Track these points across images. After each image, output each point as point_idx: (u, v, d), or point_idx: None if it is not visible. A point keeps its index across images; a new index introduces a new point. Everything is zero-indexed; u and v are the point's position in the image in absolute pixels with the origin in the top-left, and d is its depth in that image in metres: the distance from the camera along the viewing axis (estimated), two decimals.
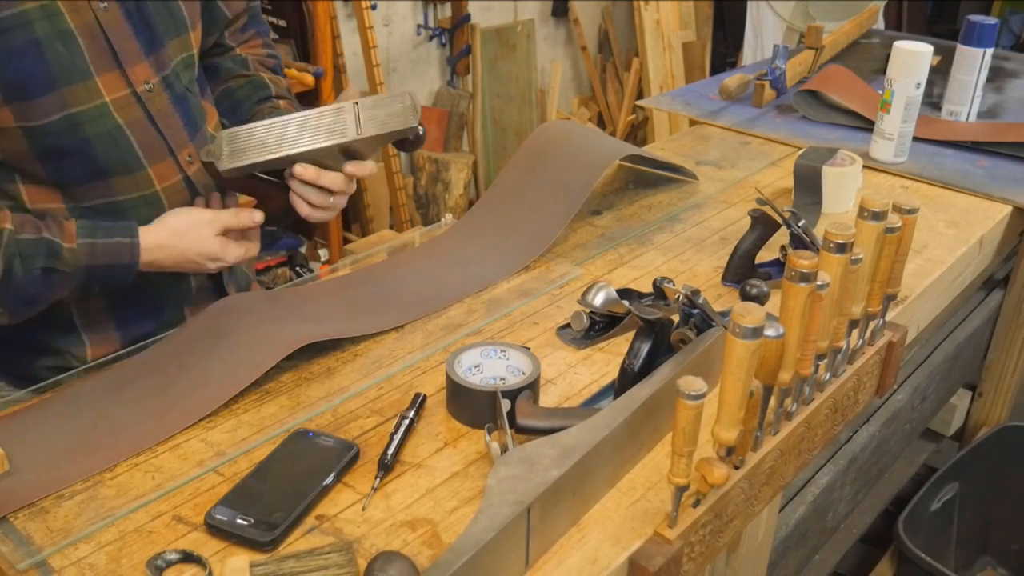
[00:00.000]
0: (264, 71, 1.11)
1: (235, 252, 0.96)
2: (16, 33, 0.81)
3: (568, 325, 0.97)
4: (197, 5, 0.99)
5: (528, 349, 0.86)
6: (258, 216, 0.97)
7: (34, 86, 0.84)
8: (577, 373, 0.90)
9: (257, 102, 1.08)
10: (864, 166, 1.32)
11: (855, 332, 0.85)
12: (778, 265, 1.07)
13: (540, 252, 1.11)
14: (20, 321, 0.89)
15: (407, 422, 0.80)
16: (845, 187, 1.25)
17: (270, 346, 0.87)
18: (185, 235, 0.92)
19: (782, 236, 1.04)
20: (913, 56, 1.32)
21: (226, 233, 0.95)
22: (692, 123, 1.65)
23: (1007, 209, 1.28)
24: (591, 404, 0.85)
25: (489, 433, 0.75)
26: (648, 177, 1.38)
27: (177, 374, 0.86)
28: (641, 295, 0.96)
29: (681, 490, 0.67)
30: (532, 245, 1.11)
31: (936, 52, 1.46)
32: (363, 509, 0.72)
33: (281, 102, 1.08)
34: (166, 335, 0.93)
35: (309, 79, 2.33)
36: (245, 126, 0.90)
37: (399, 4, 2.88)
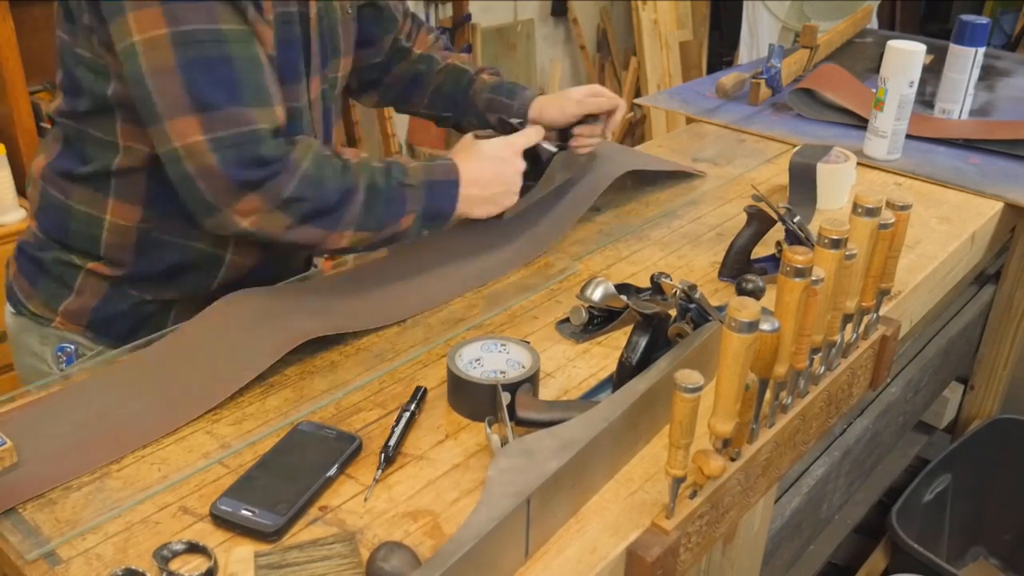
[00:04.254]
0: (450, 56, 1.20)
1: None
2: (291, 28, 0.91)
3: (567, 319, 0.98)
4: (352, 35, 1.07)
5: (528, 343, 0.87)
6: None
7: (284, 74, 0.91)
8: (576, 367, 0.91)
9: (467, 86, 1.17)
10: (858, 163, 1.33)
11: (849, 326, 0.86)
12: (773, 260, 1.08)
13: (543, 250, 1.12)
14: (375, 249, 0.98)
15: (408, 415, 0.81)
16: (839, 184, 1.26)
17: (275, 341, 0.88)
18: (493, 158, 0.98)
19: (777, 232, 1.05)
20: (906, 55, 1.33)
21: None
22: (689, 121, 1.66)
23: (998, 205, 1.29)
24: (590, 397, 0.86)
25: (489, 425, 0.76)
26: (646, 174, 1.39)
27: (183, 368, 0.87)
28: (639, 290, 0.97)
29: (678, 481, 0.67)
30: (534, 243, 1.12)
31: (929, 51, 1.47)
32: (365, 500, 0.73)
33: (484, 75, 1.17)
34: (172, 329, 0.94)
35: None
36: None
37: None
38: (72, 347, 0.99)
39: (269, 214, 0.84)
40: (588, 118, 1.13)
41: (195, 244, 0.97)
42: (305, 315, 0.93)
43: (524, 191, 1.03)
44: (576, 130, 1.13)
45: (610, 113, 1.15)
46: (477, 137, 1.00)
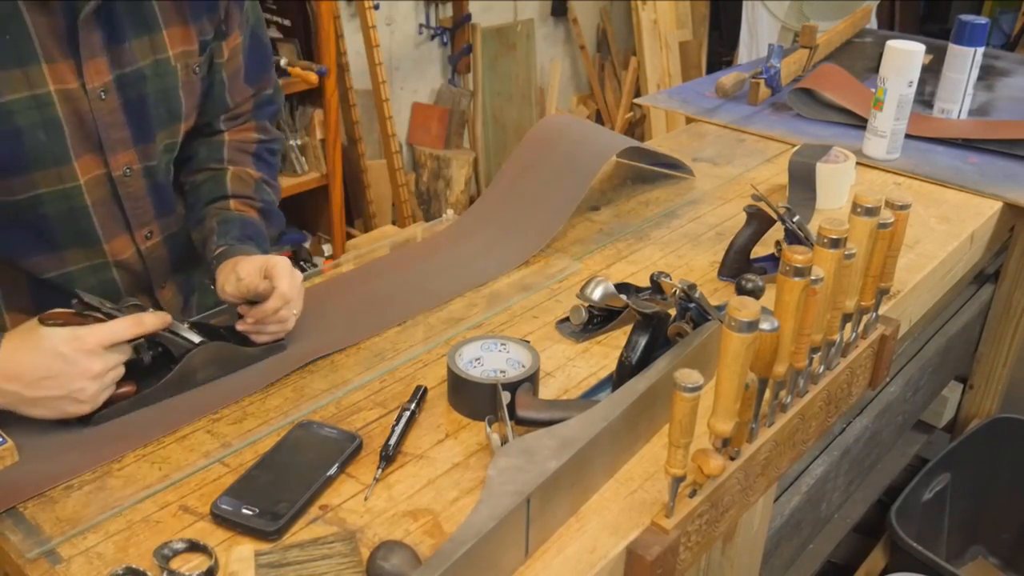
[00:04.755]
0: (240, 160, 1.02)
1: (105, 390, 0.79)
2: (32, 113, 0.79)
3: (567, 319, 0.98)
4: (197, 96, 0.94)
5: (528, 342, 0.87)
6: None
7: (4, 169, 0.81)
8: (576, 366, 0.91)
9: (208, 202, 0.98)
10: (857, 163, 1.33)
11: (848, 326, 0.86)
12: (773, 260, 1.08)
13: (541, 247, 1.12)
14: None
15: (409, 414, 0.81)
16: (839, 183, 1.26)
17: (280, 360, 0.88)
18: (50, 353, 0.75)
19: (777, 231, 1.05)
20: (905, 55, 1.33)
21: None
22: (689, 120, 1.66)
23: (997, 205, 1.29)
24: (590, 396, 0.86)
25: (489, 425, 0.76)
26: (645, 174, 1.39)
27: None
28: (639, 289, 0.97)
29: (678, 481, 0.68)
30: (533, 240, 1.13)
31: (928, 51, 1.48)
32: (366, 499, 0.73)
33: (232, 202, 0.97)
34: None
35: (313, 78, 2.35)
36: None
37: (401, 4, 2.88)
38: None
39: None
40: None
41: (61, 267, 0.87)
42: (309, 332, 0.93)
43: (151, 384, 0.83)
44: (241, 310, 0.88)
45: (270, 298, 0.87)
46: (43, 322, 0.76)
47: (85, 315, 0.79)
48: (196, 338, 0.85)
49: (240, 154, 1.02)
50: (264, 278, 0.86)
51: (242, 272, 0.86)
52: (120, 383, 0.80)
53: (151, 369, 0.83)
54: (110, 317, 0.80)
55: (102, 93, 0.84)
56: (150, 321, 0.80)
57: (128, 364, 0.80)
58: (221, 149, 1.02)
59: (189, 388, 0.85)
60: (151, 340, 0.82)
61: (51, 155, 0.82)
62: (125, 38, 0.84)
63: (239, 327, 0.89)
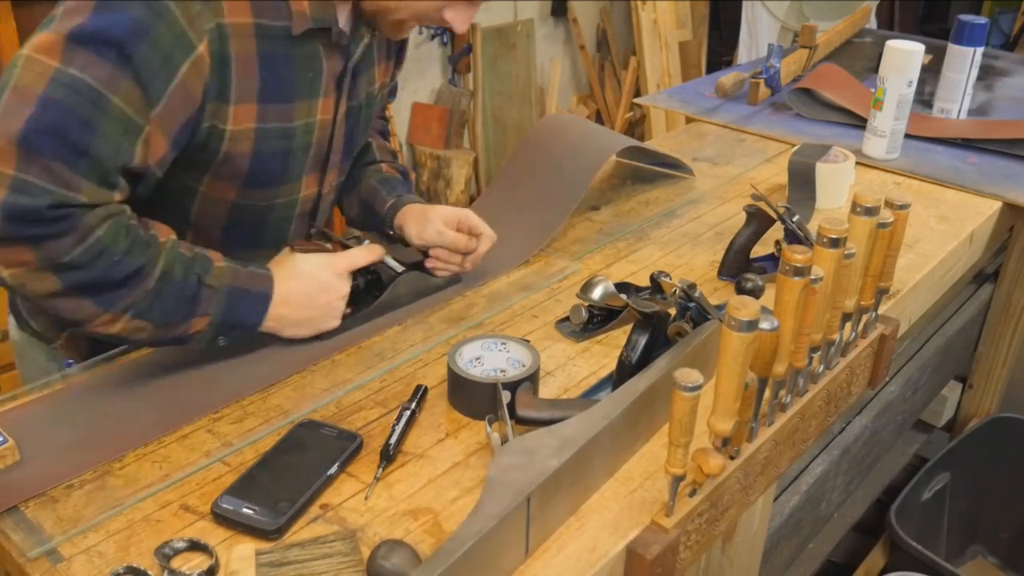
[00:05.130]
0: (375, 136, 1.14)
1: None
2: (278, 142, 0.88)
3: (567, 318, 0.98)
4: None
5: (528, 342, 0.88)
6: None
7: (265, 180, 0.90)
8: (576, 365, 0.91)
9: (362, 164, 1.11)
10: (857, 163, 1.34)
11: (848, 325, 0.86)
12: (773, 259, 1.08)
13: (542, 246, 1.12)
14: (149, 346, 0.87)
15: (409, 413, 0.81)
16: (838, 183, 1.27)
17: (281, 362, 0.89)
18: (310, 278, 0.89)
19: (777, 231, 1.05)
20: (905, 55, 1.34)
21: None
22: (688, 120, 1.67)
23: (997, 205, 1.29)
24: (590, 396, 0.87)
25: (490, 424, 0.76)
26: (645, 173, 1.39)
27: (188, 373, 0.87)
28: (639, 289, 0.97)
29: (678, 480, 0.68)
30: (534, 239, 1.13)
31: (927, 51, 1.48)
32: (366, 498, 0.73)
33: (383, 165, 1.11)
34: None
35: None
36: None
37: None
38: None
39: (37, 273, 0.73)
40: (460, 236, 1.01)
41: None
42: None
43: (364, 306, 0.95)
44: (434, 251, 1.01)
45: (479, 237, 1.02)
46: (293, 250, 0.91)
47: (325, 244, 0.94)
48: (399, 267, 0.98)
49: (373, 132, 1.15)
50: (456, 229, 1.00)
51: (439, 223, 1.00)
52: None
53: (362, 294, 0.95)
54: (344, 247, 0.94)
55: (340, 122, 0.95)
56: (378, 250, 0.95)
57: None
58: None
59: (392, 310, 0.98)
60: (363, 268, 0.94)
61: (296, 172, 0.92)
62: (358, 73, 0.95)
63: (429, 264, 1.02)
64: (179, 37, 0.76)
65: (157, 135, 0.78)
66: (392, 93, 1.12)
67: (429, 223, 1.00)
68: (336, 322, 0.91)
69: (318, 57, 0.88)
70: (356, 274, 0.93)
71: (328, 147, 0.95)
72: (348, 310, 0.93)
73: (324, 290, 0.89)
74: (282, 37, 0.83)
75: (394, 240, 1.06)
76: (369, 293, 0.96)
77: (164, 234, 0.82)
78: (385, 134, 1.18)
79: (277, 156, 0.88)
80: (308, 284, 0.88)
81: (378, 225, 1.07)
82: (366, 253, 0.93)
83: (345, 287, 0.90)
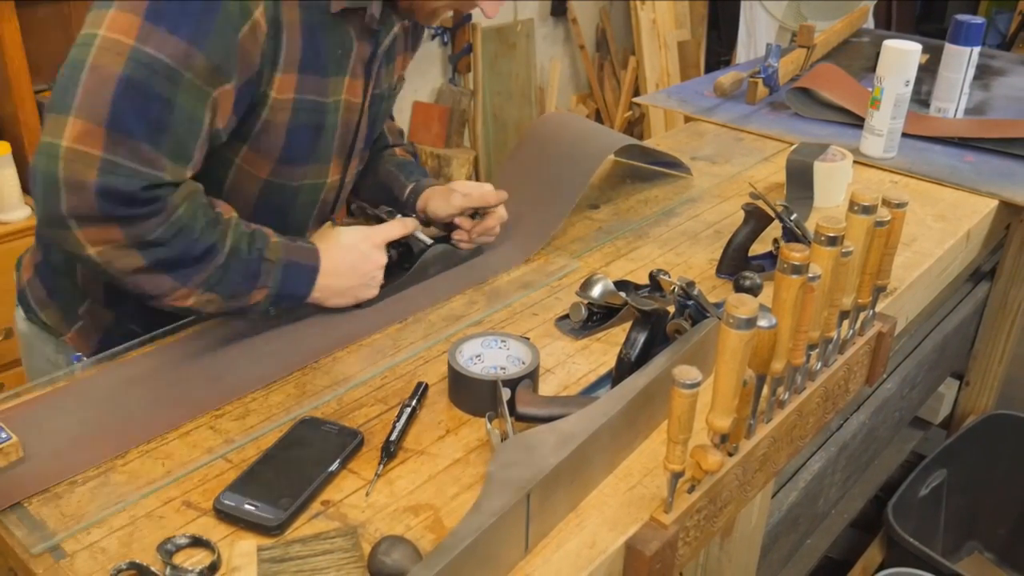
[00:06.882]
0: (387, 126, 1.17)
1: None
2: (312, 116, 0.89)
3: (567, 316, 0.98)
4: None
5: (528, 339, 0.88)
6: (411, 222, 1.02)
7: (296, 157, 0.91)
8: (575, 363, 0.92)
9: (379, 149, 1.14)
10: (854, 161, 1.34)
11: (846, 323, 0.87)
12: (771, 258, 1.09)
13: (542, 244, 1.13)
14: (216, 316, 0.92)
15: (410, 410, 0.81)
16: (836, 182, 1.27)
17: (283, 358, 0.89)
18: (352, 249, 0.94)
19: (775, 229, 1.06)
20: (902, 54, 1.34)
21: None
22: (687, 120, 1.67)
23: (993, 203, 1.30)
24: (589, 393, 0.87)
25: (490, 421, 0.76)
26: (644, 172, 1.40)
27: (189, 370, 0.88)
28: (638, 287, 0.97)
29: (676, 476, 0.68)
30: (534, 237, 1.13)
31: (924, 51, 1.48)
32: (367, 495, 0.74)
33: (396, 150, 1.15)
34: (179, 326, 0.95)
35: None
36: None
37: None
38: (87, 359, 0.97)
39: (123, 250, 0.77)
40: (475, 214, 1.08)
41: None
42: (312, 333, 0.94)
43: (395, 277, 1.00)
44: (459, 221, 1.07)
45: (489, 214, 1.07)
46: (333, 224, 0.98)
47: (361, 217, 1.02)
48: (429, 240, 1.04)
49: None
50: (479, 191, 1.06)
51: (462, 189, 1.06)
52: None
53: (394, 266, 1.00)
54: (378, 220, 1.00)
55: (367, 108, 0.97)
56: (410, 224, 1.00)
57: None
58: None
59: (421, 280, 1.03)
60: (395, 241, 0.99)
61: (325, 153, 0.94)
62: (384, 62, 0.97)
63: (455, 236, 1.07)
64: (243, 6, 0.78)
65: (226, 104, 0.81)
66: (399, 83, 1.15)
67: (454, 193, 1.06)
68: (375, 291, 0.97)
69: (349, 38, 0.89)
70: (389, 246, 0.98)
71: (355, 132, 0.97)
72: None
73: (364, 260, 0.94)
74: (321, 12, 0.85)
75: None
76: (400, 265, 1.01)
77: (227, 211, 0.86)
78: (391, 117, 1.20)
79: (309, 131, 0.90)
80: (350, 255, 0.93)
81: (395, 207, 1.10)
82: (400, 226, 0.99)
83: (383, 258, 0.96)
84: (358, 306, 0.97)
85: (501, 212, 1.08)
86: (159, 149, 0.76)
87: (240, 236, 0.85)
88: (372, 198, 1.11)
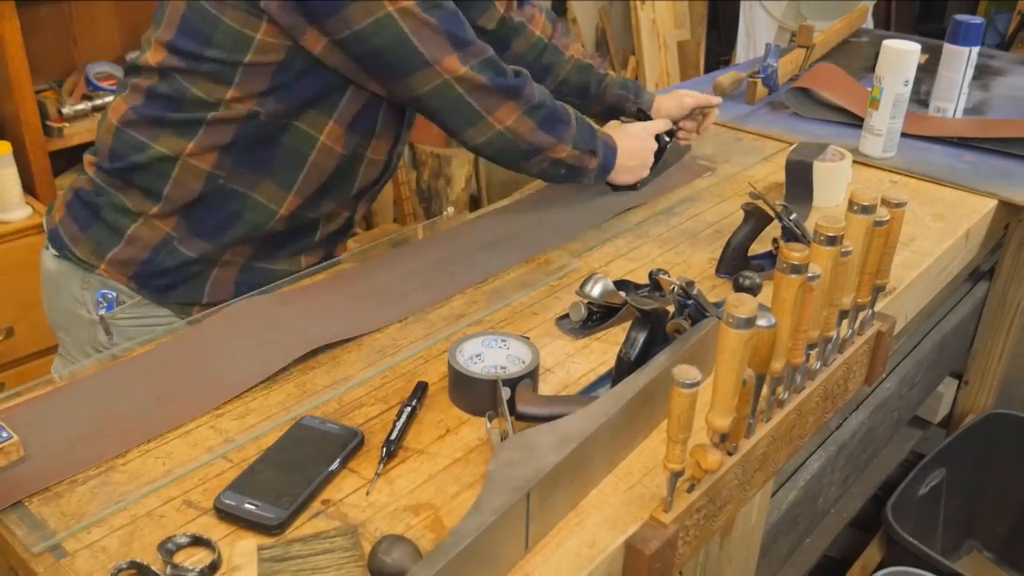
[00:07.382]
0: (570, 47, 1.33)
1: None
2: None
3: (567, 315, 0.98)
4: None
5: (528, 339, 0.88)
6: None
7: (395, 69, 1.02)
8: (575, 362, 0.92)
9: (598, 82, 1.33)
10: (854, 161, 1.34)
11: (845, 322, 0.87)
12: (770, 257, 1.09)
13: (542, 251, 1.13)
14: (560, 183, 1.18)
15: (410, 409, 0.82)
16: (835, 181, 1.27)
17: (282, 348, 0.89)
18: (636, 137, 1.23)
19: (774, 229, 1.06)
20: (901, 54, 1.34)
21: None
22: None
23: (992, 203, 1.30)
24: (589, 392, 0.87)
25: (490, 420, 0.77)
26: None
27: (189, 368, 0.88)
28: (637, 286, 0.97)
29: (676, 476, 0.68)
30: (534, 246, 1.14)
31: (924, 50, 1.48)
32: (367, 494, 0.74)
33: (610, 73, 1.35)
34: (178, 327, 0.95)
35: None
36: None
37: None
38: (113, 294, 1.03)
39: (521, 118, 1.03)
40: (693, 113, 1.36)
41: (254, 195, 1.02)
42: (312, 323, 0.94)
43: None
44: (682, 123, 1.35)
45: (708, 114, 1.37)
46: (623, 121, 1.26)
47: (639, 115, 1.31)
48: (667, 138, 1.30)
49: (556, 36, 1.36)
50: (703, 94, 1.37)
51: (685, 97, 1.34)
52: None
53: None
54: (647, 118, 1.30)
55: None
56: (668, 121, 1.29)
57: None
58: (556, 48, 1.37)
59: (664, 169, 1.32)
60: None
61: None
62: None
63: (680, 134, 1.36)
64: None
65: None
66: None
67: (684, 98, 1.34)
68: (647, 172, 1.25)
69: None
70: None
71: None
72: None
73: (644, 146, 1.23)
74: None
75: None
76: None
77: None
78: (553, 22, 1.37)
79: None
80: (634, 141, 1.22)
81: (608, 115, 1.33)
82: (664, 123, 1.28)
83: (655, 144, 1.25)
84: (632, 187, 1.25)
85: (715, 113, 1.38)
86: (475, 40, 1.01)
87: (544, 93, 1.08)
88: (596, 113, 1.33)
